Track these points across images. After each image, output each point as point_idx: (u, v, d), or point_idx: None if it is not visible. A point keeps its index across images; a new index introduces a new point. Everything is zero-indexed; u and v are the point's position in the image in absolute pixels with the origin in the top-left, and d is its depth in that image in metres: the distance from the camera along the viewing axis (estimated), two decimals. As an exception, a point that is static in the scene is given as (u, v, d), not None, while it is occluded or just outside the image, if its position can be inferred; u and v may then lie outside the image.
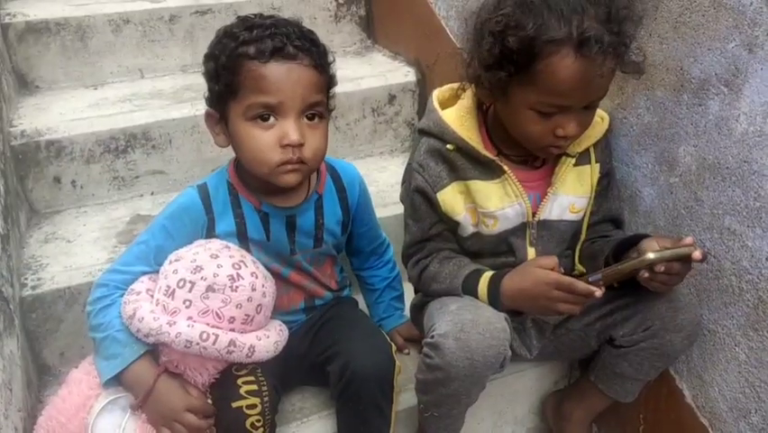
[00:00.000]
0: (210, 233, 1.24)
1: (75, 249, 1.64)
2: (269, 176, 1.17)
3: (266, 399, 1.16)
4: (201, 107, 1.89)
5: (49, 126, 1.79)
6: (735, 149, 1.13)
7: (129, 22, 2.10)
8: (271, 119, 1.14)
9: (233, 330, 1.14)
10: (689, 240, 1.11)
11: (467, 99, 1.25)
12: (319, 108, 1.17)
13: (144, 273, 1.21)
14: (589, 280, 1.13)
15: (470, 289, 1.23)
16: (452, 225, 1.29)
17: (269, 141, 1.14)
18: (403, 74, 2.13)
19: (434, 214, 1.27)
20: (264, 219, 1.26)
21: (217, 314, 1.12)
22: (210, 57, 1.18)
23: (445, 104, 1.29)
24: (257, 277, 1.16)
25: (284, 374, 1.30)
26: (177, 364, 1.16)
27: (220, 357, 1.13)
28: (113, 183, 1.85)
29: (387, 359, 1.23)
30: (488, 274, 1.23)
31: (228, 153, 1.90)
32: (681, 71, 1.20)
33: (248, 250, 1.24)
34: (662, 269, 1.10)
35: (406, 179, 1.31)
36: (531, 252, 1.29)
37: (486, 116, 1.26)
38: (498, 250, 1.30)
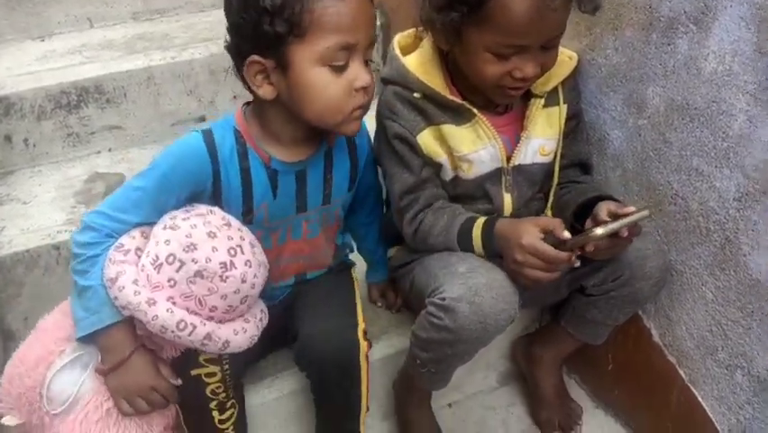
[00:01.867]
0: (216, 182, 1.13)
1: (31, 210, 1.59)
2: (335, 126, 1.10)
3: (226, 367, 1.13)
4: (156, 57, 1.85)
5: (-5, 82, 1.72)
6: (703, 89, 1.12)
7: (74, -33, 2.00)
8: (344, 62, 1.04)
9: (211, 318, 1.08)
10: (631, 209, 1.11)
11: (428, 45, 1.22)
12: (374, 46, 1.10)
13: (138, 224, 1.12)
14: None
15: (465, 238, 1.20)
16: (437, 168, 1.26)
17: (342, 86, 1.05)
18: (366, 18, 2.06)
19: (419, 157, 1.23)
20: (272, 176, 1.16)
21: (200, 301, 1.06)
22: None
23: (407, 49, 1.25)
24: (250, 266, 1.09)
25: (265, 342, 1.24)
26: (150, 338, 1.12)
27: (192, 346, 1.09)
28: (67, 140, 1.78)
29: (348, 343, 1.18)
30: (482, 221, 1.20)
31: (187, 106, 1.86)
32: (649, 9, 1.17)
33: (250, 210, 1.17)
34: (592, 249, 1.10)
35: (380, 132, 1.26)
36: (507, 197, 1.28)
37: (448, 62, 1.23)
38: (476, 195, 1.29)
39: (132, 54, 1.86)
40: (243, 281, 1.08)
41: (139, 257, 1.09)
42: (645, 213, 1.10)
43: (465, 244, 1.20)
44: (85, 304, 1.10)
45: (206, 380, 1.12)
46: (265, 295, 1.21)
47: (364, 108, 1.10)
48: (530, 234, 1.10)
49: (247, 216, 1.17)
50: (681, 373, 1.29)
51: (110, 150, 1.83)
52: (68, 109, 1.75)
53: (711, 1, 1.07)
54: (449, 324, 1.11)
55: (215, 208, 1.13)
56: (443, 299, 1.12)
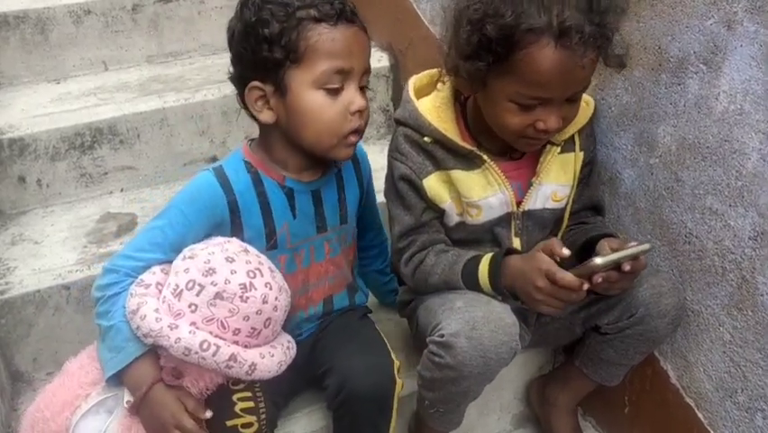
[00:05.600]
0: (234, 213, 1.17)
1: (43, 250, 1.59)
2: (330, 149, 1.14)
3: (263, 417, 1.11)
4: (169, 99, 1.87)
5: (11, 124, 1.74)
6: (715, 128, 1.12)
7: (90, 12, 2.05)
8: (338, 86, 1.10)
9: (236, 342, 1.08)
10: (633, 243, 1.11)
11: (444, 90, 1.22)
12: (370, 73, 1.16)
13: (158, 261, 1.14)
14: None
15: (470, 272, 1.19)
16: (439, 213, 1.26)
17: (338, 109, 1.11)
18: (376, 59, 2.08)
19: (422, 201, 1.23)
20: (289, 195, 1.20)
21: (222, 324, 1.07)
22: (257, 23, 1.08)
23: (422, 91, 1.26)
24: (270, 288, 1.09)
25: (286, 386, 1.25)
26: (175, 367, 1.10)
27: (218, 370, 1.07)
28: (80, 180, 1.79)
29: (387, 379, 1.17)
30: (490, 254, 1.19)
31: (199, 146, 1.88)
32: (658, 50, 1.18)
33: (273, 232, 1.19)
34: (600, 280, 1.08)
35: (388, 172, 1.27)
36: (516, 242, 1.27)
37: (464, 108, 1.23)
38: (483, 239, 1.28)
39: (146, 96, 1.88)
40: (265, 302, 1.09)
41: (160, 291, 1.10)
42: (646, 246, 1.10)
43: (470, 280, 1.19)
44: (109, 344, 1.11)
45: (243, 431, 1.09)
46: (292, 326, 1.23)
47: (359, 133, 1.15)
48: (543, 257, 1.10)
49: (270, 239, 1.20)
50: (700, 416, 1.26)
51: (122, 190, 1.84)
52: (81, 150, 1.76)
53: (721, 41, 1.07)
54: (450, 361, 1.10)
55: (233, 238, 1.16)
56: (442, 335, 1.11)
